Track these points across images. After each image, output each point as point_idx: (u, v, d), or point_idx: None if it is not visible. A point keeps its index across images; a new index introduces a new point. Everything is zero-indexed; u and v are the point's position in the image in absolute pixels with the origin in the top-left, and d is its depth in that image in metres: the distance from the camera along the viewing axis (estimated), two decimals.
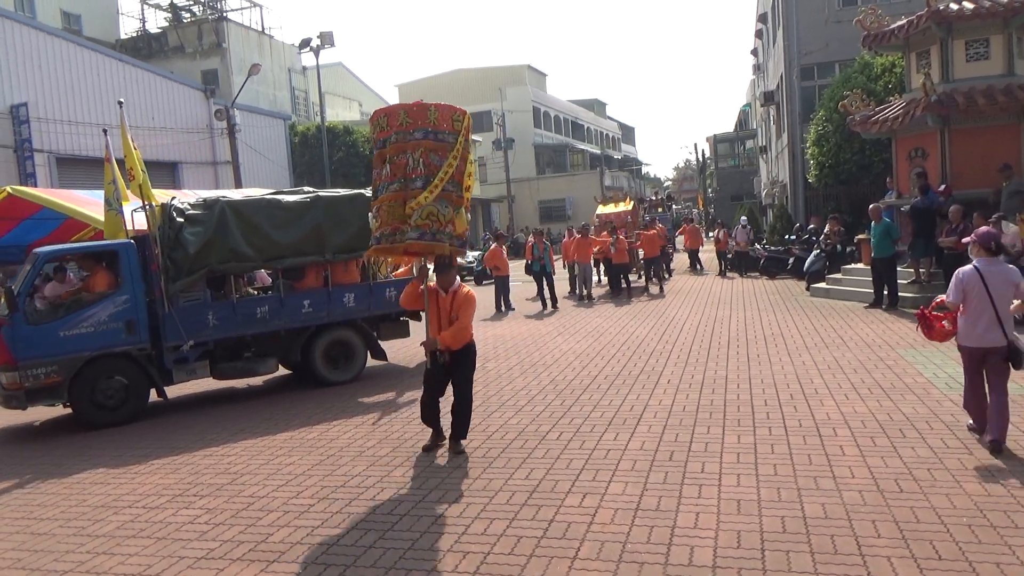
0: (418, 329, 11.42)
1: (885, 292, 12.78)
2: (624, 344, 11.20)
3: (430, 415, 6.51)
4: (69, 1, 34.21)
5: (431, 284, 6.39)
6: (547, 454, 6.17)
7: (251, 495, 5.76)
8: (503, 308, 16.73)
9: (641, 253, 19.83)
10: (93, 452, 7.51)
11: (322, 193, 10.17)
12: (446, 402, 6.53)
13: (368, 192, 10.30)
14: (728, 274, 22.14)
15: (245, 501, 5.64)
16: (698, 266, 24.30)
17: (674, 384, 8.35)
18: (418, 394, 8.74)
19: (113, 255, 8.71)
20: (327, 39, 29.32)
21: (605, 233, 19.49)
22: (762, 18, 32.28)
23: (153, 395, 9.02)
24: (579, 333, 12.70)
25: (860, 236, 15.37)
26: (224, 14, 36.47)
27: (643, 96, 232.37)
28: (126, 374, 8.64)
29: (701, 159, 63.92)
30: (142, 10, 38.20)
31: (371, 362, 10.55)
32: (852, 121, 14.85)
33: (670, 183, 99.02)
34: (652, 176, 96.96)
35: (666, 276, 21.10)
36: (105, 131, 10.01)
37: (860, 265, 14.94)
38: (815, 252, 17.08)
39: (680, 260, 26.53)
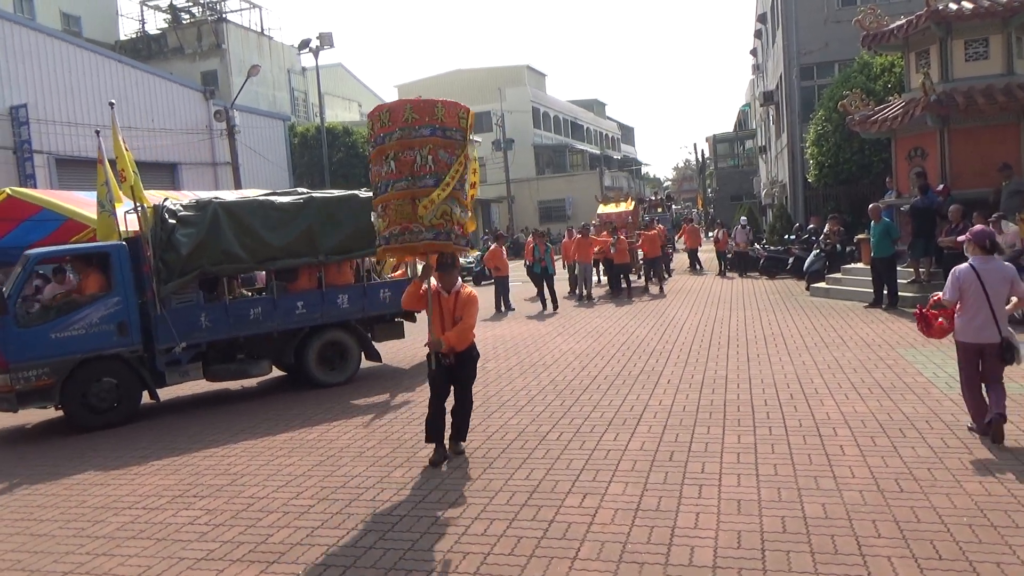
0: (412, 330, 11.48)
1: (885, 292, 12.79)
2: (624, 344, 11.20)
3: (436, 431, 6.22)
4: (69, 2, 34.24)
5: (432, 285, 6.33)
6: (547, 454, 6.17)
7: (251, 496, 5.76)
8: (503, 308, 16.73)
9: (641, 253, 19.85)
10: (93, 453, 7.50)
11: (315, 194, 10.11)
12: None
13: (362, 193, 10.33)
14: (728, 274, 22.16)
15: (245, 502, 5.63)
16: (697, 266, 24.34)
17: (674, 384, 8.35)
18: (417, 395, 8.82)
19: (105, 257, 8.68)
20: (326, 40, 29.36)
21: (605, 233, 19.49)
22: (761, 18, 32.29)
23: (146, 397, 9.01)
24: (579, 333, 12.70)
25: (860, 236, 15.38)
26: (223, 15, 36.51)
27: (643, 96, 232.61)
28: (118, 376, 8.60)
29: (701, 159, 63.91)
30: (141, 11, 38.32)
31: (367, 364, 10.55)
32: (851, 121, 14.86)
33: (670, 183, 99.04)
34: (652, 176, 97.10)
35: (666, 276, 21.11)
36: (98, 132, 10.00)
37: (860, 265, 14.94)
38: (815, 252, 17.07)
39: (680, 260, 26.57)
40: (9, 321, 8.05)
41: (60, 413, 8.82)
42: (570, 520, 4.78)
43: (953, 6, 12.65)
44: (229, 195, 10.43)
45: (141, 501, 5.87)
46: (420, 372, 10.23)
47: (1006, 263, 5.95)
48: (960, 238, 6.30)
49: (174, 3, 37.18)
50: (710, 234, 32.55)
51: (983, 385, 5.79)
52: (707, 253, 26.43)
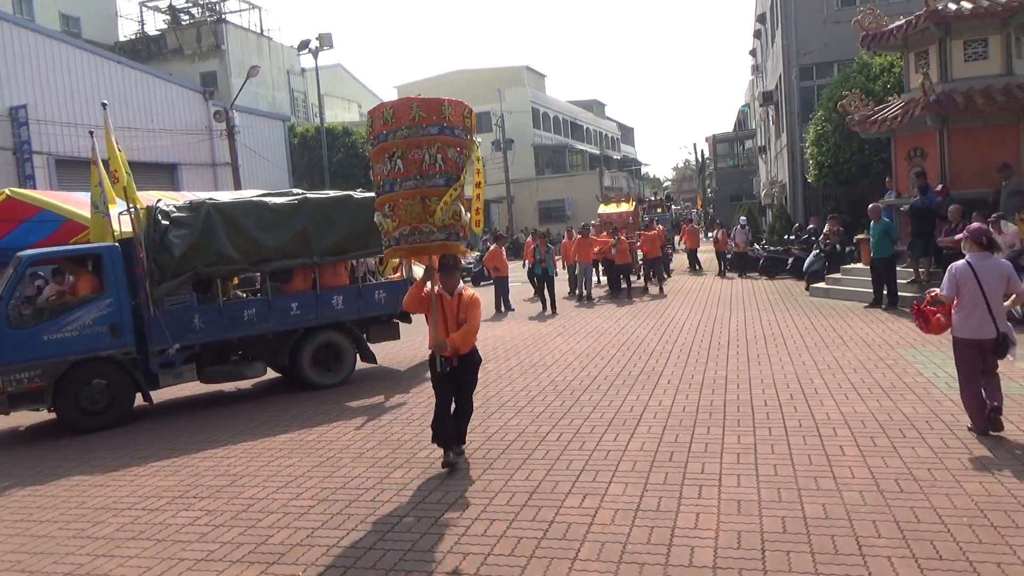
0: (408, 331, 11.46)
1: (885, 292, 12.79)
2: (624, 345, 11.20)
3: (443, 434, 6.12)
4: (68, 3, 34.24)
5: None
6: (547, 455, 6.17)
7: (251, 497, 5.76)
8: (503, 309, 16.71)
9: (641, 254, 19.84)
10: (92, 454, 7.50)
11: (310, 195, 10.09)
12: None
13: (358, 194, 10.31)
14: (727, 274, 22.16)
15: (245, 503, 5.63)
16: (697, 266, 24.34)
17: (674, 384, 8.35)
18: (414, 396, 8.83)
19: (97, 258, 8.66)
20: (326, 41, 29.34)
21: (606, 233, 19.49)
22: (760, 18, 32.29)
23: (139, 399, 8.99)
24: (579, 334, 12.70)
25: (859, 236, 15.39)
26: (223, 16, 36.51)
27: (642, 96, 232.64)
28: (111, 378, 8.59)
29: (700, 159, 63.92)
30: (141, 12, 38.32)
31: (363, 365, 10.54)
32: (851, 121, 14.87)
33: (669, 183, 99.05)
34: (651, 176, 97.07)
35: (666, 276, 21.10)
36: (91, 133, 9.99)
37: (859, 265, 14.95)
38: (814, 252, 17.08)
39: (679, 260, 26.57)
40: (1, 323, 8.03)
41: (53, 415, 8.79)
42: (570, 521, 4.78)
43: (952, 6, 12.65)
44: (226, 196, 10.42)
45: (141, 502, 5.87)
46: (417, 373, 10.25)
47: (1002, 260, 6.03)
48: (958, 236, 6.36)
49: (173, 4, 37.19)
50: (709, 234, 32.55)
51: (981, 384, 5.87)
52: (706, 253, 26.44)
